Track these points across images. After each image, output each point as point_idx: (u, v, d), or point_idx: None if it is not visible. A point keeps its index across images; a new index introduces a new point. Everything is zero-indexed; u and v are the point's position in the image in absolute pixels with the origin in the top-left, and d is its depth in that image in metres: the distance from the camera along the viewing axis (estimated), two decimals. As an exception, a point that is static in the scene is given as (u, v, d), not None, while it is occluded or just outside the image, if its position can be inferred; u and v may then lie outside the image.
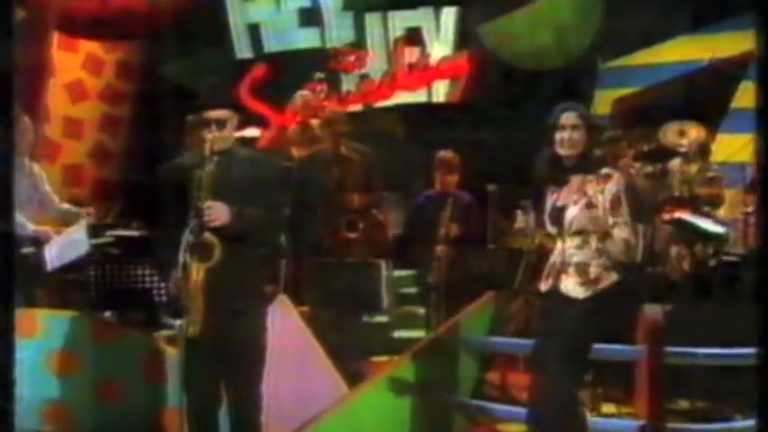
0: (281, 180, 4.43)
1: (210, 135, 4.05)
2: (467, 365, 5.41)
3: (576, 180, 4.34)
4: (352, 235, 6.47)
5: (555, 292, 4.32)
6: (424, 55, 9.36)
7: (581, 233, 4.28)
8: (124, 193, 8.30)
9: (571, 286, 4.28)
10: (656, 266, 6.19)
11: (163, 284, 5.10)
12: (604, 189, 4.24)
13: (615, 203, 4.24)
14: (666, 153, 7.30)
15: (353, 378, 5.35)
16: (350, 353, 5.66)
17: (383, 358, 6.04)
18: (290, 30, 9.39)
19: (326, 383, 5.11)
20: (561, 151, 4.27)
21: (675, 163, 7.21)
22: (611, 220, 4.24)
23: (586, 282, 4.24)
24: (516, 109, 8.66)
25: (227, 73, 8.76)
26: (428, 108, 9.28)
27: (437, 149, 7.05)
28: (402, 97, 9.36)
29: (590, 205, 4.26)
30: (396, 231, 6.69)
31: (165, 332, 5.46)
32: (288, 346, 4.86)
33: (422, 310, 6.73)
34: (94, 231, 6.03)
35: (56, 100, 8.62)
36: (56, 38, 8.44)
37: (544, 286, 4.37)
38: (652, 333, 4.62)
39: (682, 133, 7.29)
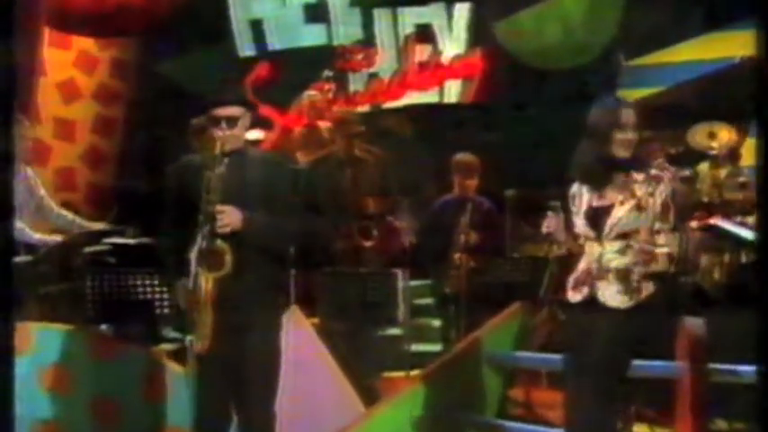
0: (296, 182, 4.25)
1: (221, 134, 3.95)
2: (491, 382, 5.32)
3: (620, 178, 4.14)
4: (366, 242, 6.38)
5: (591, 301, 4.11)
6: (436, 53, 9.37)
7: (624, 237, 4.09)
8: (119, 198, 8.15)
9: (611, 295, 4.08)
10: (687, 276, 6.11)
11: (164, 295, 5.13)
12: (655, 191, 4.07)
13: (665, 208, 4.08)
14: (695, 156, 7.20)
15: (367, 394, 5.31)
16: (363, 368, 5.62)
17: (397, 373, 5.99)
18: (296, 26, 9.39)
19: (341, 400, 5.08)
20: (619, 152, 4.08)
21: (704, 167, 7.10)
22: (657, 226, 4.07)
23: (628, 290, 4.06)
24: (533, 110, 8.72)
25: (228, 72, 8.67)
26: (440, 109, 9.31)
27: (449, 152, 7.02)
28: (413, 97, 9.36)
29: (639, 208, 4.08)
30: (411, 239, 6.60)
31: (167, 346, 5.49)
32: (300, 361, 4.80)
33: (438, 323, 6.69)
34: (89, 239, 6.03)
35: (46, 100, 8.48)
36: (46, 34, 8.30)
37: (576, 295, 4.17)
38: (694, 348, 4.38)
39: (712, 135, 7.20)
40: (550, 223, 4.15)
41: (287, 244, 4.28)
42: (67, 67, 8.92)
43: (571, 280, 4.21)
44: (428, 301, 6.85)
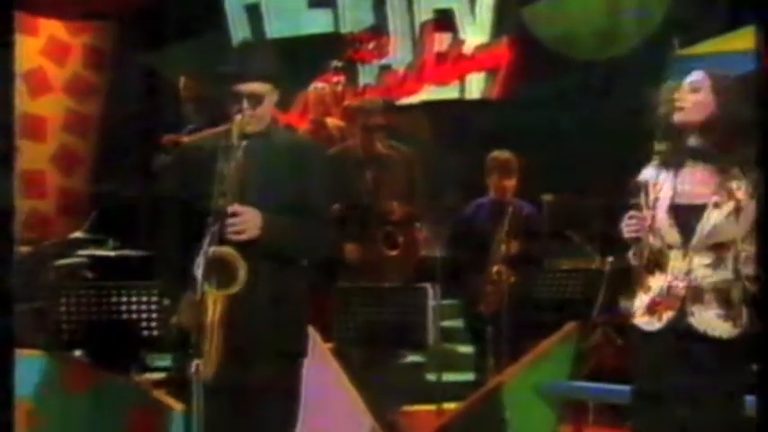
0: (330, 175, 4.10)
1: (241, 117, 3.73)
2: (543, 418, 5.23)
3: (706, 169, 3.72)
4: (391, 252, 6.16)
5: (679, 327, 3.67)
6: (457, 42, 9.30)
7: (716, 247, 3.68)
8: (97, 204, 7.98)
9: (709, 320, 3.65)
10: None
11: (152, 315, 5.05)
12: (755, 195, 3.65)
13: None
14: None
15: (392, 430, 5.34)
16: (387, 399, 5.58)
17: (425, 407, 5.91)
18: (297, 11, 9.39)
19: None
20: (680, 116, 3.72)
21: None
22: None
23: (731, 315, 3.64)
24: (564, 106, 8.60)
25: (220, 63, 8.33)
26: (461, 105, 9.24)
27: (478, 150, 6.97)
28: (430, 92, 9.29)
29: (738, 211, 3.65)
30: (441, 249, 6.37)
31: (155, 375, 5.54)
32: (316, 390, 4.56)
33: (470, 348, 6.55)
34: (61, 250, 6.16)
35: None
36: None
37: (654, 320, 3.72)
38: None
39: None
40: (633, 225, 3.68)
41: (313, 255, 4.09)
42: (35, 56, 8.87)
43: (643, 299, 3.77)
44: (458, 322, 6.73)
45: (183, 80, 7.57)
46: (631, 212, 3.72)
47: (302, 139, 4.58)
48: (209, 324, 3.63)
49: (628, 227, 3.71)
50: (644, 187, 3.79)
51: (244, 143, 3.72)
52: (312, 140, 5.37)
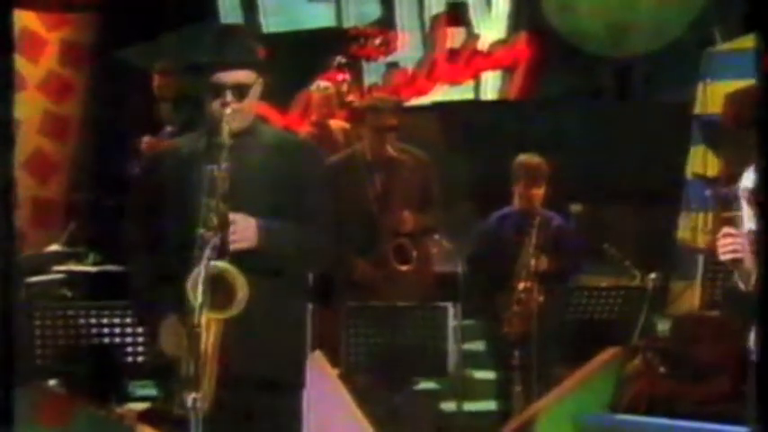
0: (328, 180, 4.00)
1: (229, 110, 3.59)
2: None
3: None
4: (404, 267, 6.01)
5: None
6: (471, 38, 9.32)
7: None
8: (75, 215, 7.99)
9: None
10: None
11: (137, 339, 5.00)
12: None
13: None
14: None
15: None
16: (399, 431, 5.60)
17: None
18: (296, 4, 9.40)
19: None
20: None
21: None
22: None
23: None
24: (594, 107, 8.76)
25: (198, 52, 8.45)
26: (476, 107, 9.32)
27: (484, 158, 7.16)
28: (442, 93, 9.31)
29: None
30: (462, 264, 6.14)
31: (139, 406, 5.45)
32: (322, 421, 4.64)
33: (494, 375, 6.41)
34: (35, 266, 6.16)
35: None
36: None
37: None
38: None
39: None
40: (730, 244, 3.41)
41: (315, 265, 4.06)
42: (5, 51, 8.68)
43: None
44: (480, 345, 6.60)
45: (156, 77, 7.65)
46: (726, 229, 3.45)
47: (292, 136, 4.54)
48: (202, 351, 3.47)
49: (723, 247, 3.43)
50: (745, 196, 3.52)
51: (230, 143, 3.60)
52: (304, 138, 5.29)
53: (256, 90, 3.73)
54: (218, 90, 3.65)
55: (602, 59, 8.76)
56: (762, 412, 2.69)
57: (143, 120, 7.67)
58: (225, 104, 3.61)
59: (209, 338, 3.49)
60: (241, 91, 3.66)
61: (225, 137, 3.55)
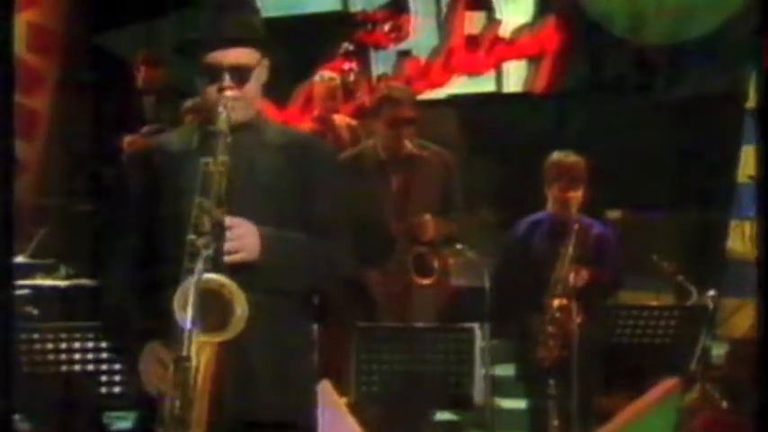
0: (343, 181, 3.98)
1: (228, 93, 3.46)
2: None
3: None
4: (424, 281, 5.95)
5: None
6: (493, 23, 9.28)
7: None
8: (45, 221, 7.86)
9: None
10: None
11: (114, 366, 4.93)
12: None
13: None
14: None
15: None
16: None
17: None
18: None
19: None
20: None
21: None
22: None
23: None
24: (630, 101, 8.61)
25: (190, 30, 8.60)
26: (497, 100, 9.29)
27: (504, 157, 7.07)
28: (460, 84, 9.30)
29: None
30: (489, 277, 6.01)
31: None
32: None
33: (525, 405, 6.28)
34: None
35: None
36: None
37: None
38: None
39: None
40: None
41: (326, 283, 3.80)
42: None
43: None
44: (509, 371, 6.44)
45: (141, 68, 7.64)
46: None
47: (301, 134, 4.30)
48: (191, 383, 3.30)
49: None
50: None
51: (228, 139, 3.46)
52: (315, 136, 5.11)
53: (260, 73, 3.58)
54: (215, 73, 3.49)
55: (643, 47, 8.70)
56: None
57: (123, 116, 7.59)
58: (223, 89, 3.47)
59: (199, 368, 3.31)
60: (241, 74, 3.51)
61: (223, 124, 3.40)
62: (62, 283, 6.53)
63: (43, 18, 8.91)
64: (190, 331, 3.20)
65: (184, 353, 3.23)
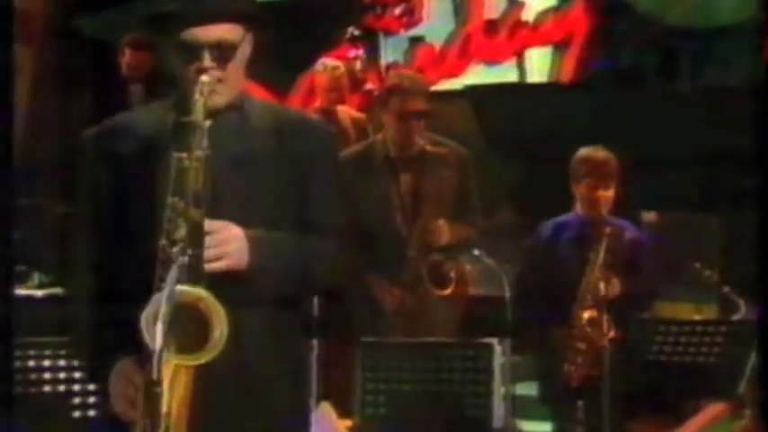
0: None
1: (206, 77, 3.33)
2: None
3: None
4: (439, 291, 5.94)
5: None
6: (514, 6, 9.38)
7: None
8: (17, 224, 7.60)
9: None
10: None
11: (87, 386, 4.80)
12: None
13: None
14: None
15: None
16: None
17: None
18: None
19: None
20: None
21: None
22: None
23: None
24: (667, 91, 8.70)
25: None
26: (519, 91, 9.35)
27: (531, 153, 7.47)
28: (478, 73, 9.39)
29: None
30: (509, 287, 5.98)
31: None
32: None
33: (550, 428, 6.31)
34: None
35: None
36: None
37: None
38: None
39: None
40: None
41: (323, 291, 3.99)
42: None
43: None
44: (532, 391, 6.39)
45: (126, 51, 7.58)
46: None
47: (295, 113, 4.19)
48: (164, 410, 3.15)
49: None
50: None
51: (208, 123, 3.32)
52: (310, 116, 4.97)
53: (244, 51, 3.44)
54: (193, 51, 3.36)
55: (676, 31, 8.72)
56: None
57: (104, 107, 7.46)
58: (201, 70, 3.33)
59: (173, 395, 3.16)
60: (223, 52, 3.38)
61: (199, 114, 3.27)
62: (36, 293, 6.54)
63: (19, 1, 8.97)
64: (160, 352, 3.03)
65: (154, 376, 3.06)
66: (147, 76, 7.44)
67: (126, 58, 7.46)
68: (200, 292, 3.19)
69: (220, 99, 3.37)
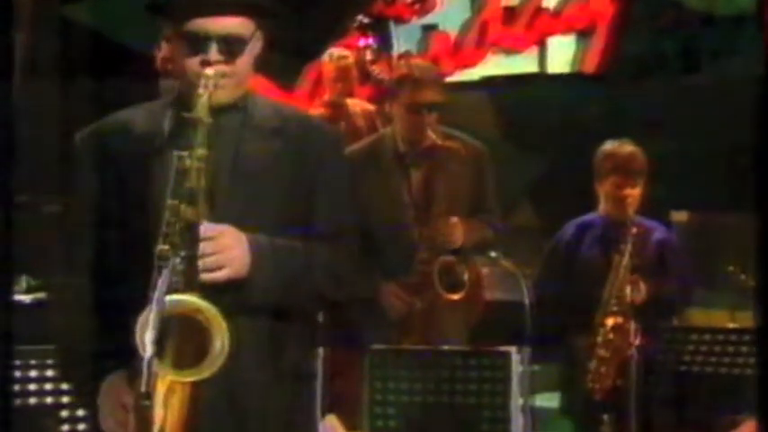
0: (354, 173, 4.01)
1: (211, 71, 3.34)
2: None
3: None
4: (452, 296, 5.85)
5: None
6: None
7: None
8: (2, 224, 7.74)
9: None
10: None
11: (78, 399, 4.57)
12: None
13: None
14: None
15: None
16: None
17: None
18: None
19: None
20: None
21: None
22: None
23: None
24: (699, 82, 8.73)
25: None
26: (540, 82, 9.42)
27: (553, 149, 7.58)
28: (496, 64, 9.49)
29: None
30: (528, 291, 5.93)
31: None
32: None
33: None
34: None
35: None
36: None
37: None
38: None
39: None
40: None
41: (333, 299, 3.74)
42: None
43: None
44: (553, 403, 6.40)
45: (164, 46, 7.61)
46: None
47: (302, 114, 4.18)
48: (158, 428, 3.17)
49: None
50: None
51: (210, 121, 3.32)
52: (317, 117, 5.09)
53: (254, 47, 3.46)
54: (199, 42, 3.37)
55: (709, 19, 8.82)
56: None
57: (100, 96, 7.67)
58: (206, 64, 3.34)
59: (168, 414, 3.17)
60: (231, 46, 3.39)
61: (203, 110, 3.27)
62: (24, 298, 6.42)
63: (5, -15, 9.02)
64: (149, 363, 2.99)
65: (143, 388, 3.03)
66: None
67: (162, 52, 7.50)
68: (198, 302, 3.19)
69: (224, 95, 3.37)
